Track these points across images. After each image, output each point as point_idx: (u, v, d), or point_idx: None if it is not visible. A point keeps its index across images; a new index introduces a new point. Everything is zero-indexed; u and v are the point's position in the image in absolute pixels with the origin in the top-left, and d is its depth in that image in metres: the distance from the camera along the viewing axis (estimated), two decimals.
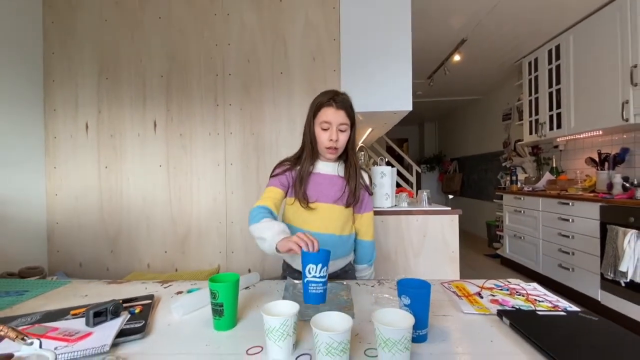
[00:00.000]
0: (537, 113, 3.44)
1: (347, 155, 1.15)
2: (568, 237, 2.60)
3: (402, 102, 1.84)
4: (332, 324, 0.63)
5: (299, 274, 1.16)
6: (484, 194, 5.22)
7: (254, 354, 0.64)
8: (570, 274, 2.58)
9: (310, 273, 0.73)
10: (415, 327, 0.67)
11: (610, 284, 2.20)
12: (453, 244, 1.67)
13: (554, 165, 3.49)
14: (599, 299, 2.31)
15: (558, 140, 3.32)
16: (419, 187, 6.00)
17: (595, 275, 2.34)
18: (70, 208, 1.87)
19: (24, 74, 1.80)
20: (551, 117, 3.20)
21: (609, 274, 2.14)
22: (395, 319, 0.64)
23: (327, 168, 1.15)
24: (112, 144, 1.88)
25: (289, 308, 0.67)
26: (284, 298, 0.92)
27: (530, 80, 3.54)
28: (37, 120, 1.87)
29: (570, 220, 2.57)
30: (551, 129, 3.21)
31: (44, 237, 1.85)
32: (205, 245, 1.87)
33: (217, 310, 0.75)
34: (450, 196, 6.22)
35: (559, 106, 3.09)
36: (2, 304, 0.92)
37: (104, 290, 1.03)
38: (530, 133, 3.56)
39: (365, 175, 1.19)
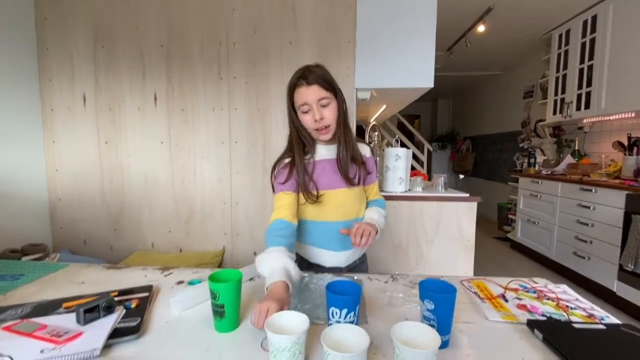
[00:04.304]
0: (563, 91, 3.21)
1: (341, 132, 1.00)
2: (587, 225, 2.49)
3: (422, 78, 1.67)
4: (345, 338, 0.55)
5: (315, 268, 1.08)
6: (497, 175, 5.06)
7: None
8: (586, 263, 2.50)
9: (333, 317, 0.63)
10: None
11: (628, 276, 2.11)
12: (469, 233, 1.58)
13: (577, 148, 3.30)
14: (615, 290, 2.23)
15: (584, 121, 3.11)
16: (429, 166, 5.86)
17: (612, 265, 2.25)
18: (71, 185, 1.82)
19: (16, 41, 1.69)
20: (579, 96, 2.98)
21: (629, 265, 2.05)
22: (417, 335, 0.56)
23: (329, 152, 1.04)
24: (111, 117, 1.78)
25: (298, 321, 0.60)
26: (290, 293, 0.85)
27: (559, 55, 3.27)
28: (33, 90, 1.77)
29: (592, 207, 2.45)
30: (578, 109, 2.99)
31: (46, 214, 1.82)
32: (210, 227, 1.82)
33: (218, 312, 0.68)
34: (461, 176, 6.07)
35: (589, 84, 2.86)
36: None
37: (102, 277, 0.98)
38: (554, 113, 3.34)
39: (365, 149, 1.09)
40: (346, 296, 0.62)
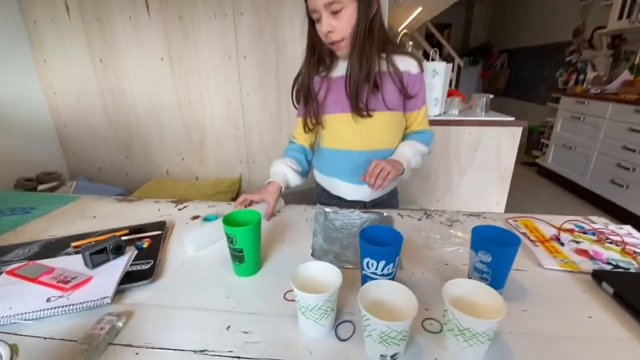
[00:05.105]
0: None
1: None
2: (634, 151, 2.25)
3: None
4: (387, 297, 0.47)
5: (338, 200, 0.99)
6: (533, 94, 4.58)
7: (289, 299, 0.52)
8: (622, 191, 2.35)
9: (368, 268, 0.54)
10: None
11: None
12: (508, 161, 1.42)
13: (637, 62, 2.83)
14: None
15: None
16: (457, 84, 5.34)
17: None
18: (73, 109, 1.69)
19: None
20: None
21: None
22: (473, 296, 0.47)
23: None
24: (101, 31, 1.55)
25: (329, 273, 0.51)
26: (314, 230, 0.78)
27: None
28: None
29: None
30: None
31: (55, 141, 1.75)
32: (224, 154, 1.72)
33: (237, 256, 0.61)
34: (491, 96, 5.56)
35: None
36: (6, 225, 0.84)
37: (113, 210, 0.92)
38: (620, 17, 2.78)
39: (410, 63, 0.85)
40: (386, 247, 0.51)
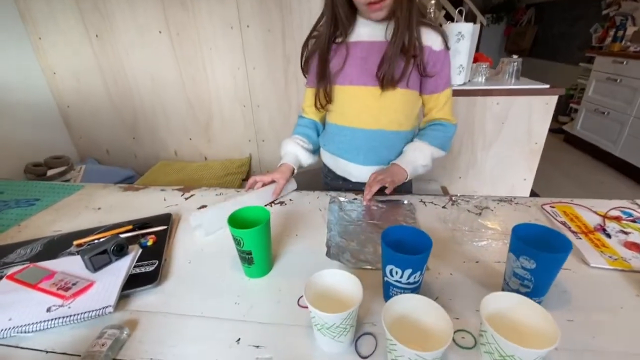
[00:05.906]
0: None
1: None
2: None
3: None
4: (413, 308, 0.41)
5: (343, 181, 0.93)
6: (564, 54, 4.20)
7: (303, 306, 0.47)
8: None
9: (392, 275, 0.47)
10: (531, 295, 0.45)
11: None
12: (539, 134, 1.29)
13: None
14: None
15: None
16: (478, 46, 4.96)
17: None
18: (74, 90, 1.63)
19: None
20: None
21: None
22: (512, 312, 0.41)
23: (374, 32, 0.75)
24: (94, 2, 1.43)
25: (347, 283, 0.45)
26: (328, 224, 0.72)
27: None
28: None
29: None
30: None
31: (61, 124, 1.70)
32: (232, 133, 1.65)
33: (246, 259, 0.56)
34: (515, 56, 5.17)
35: None
36: (11, 219, 0.82)
37: (118, 201, 0.88)
38: None
39: (432, 37, 0.74)
40: (413, 256, 0.44)
